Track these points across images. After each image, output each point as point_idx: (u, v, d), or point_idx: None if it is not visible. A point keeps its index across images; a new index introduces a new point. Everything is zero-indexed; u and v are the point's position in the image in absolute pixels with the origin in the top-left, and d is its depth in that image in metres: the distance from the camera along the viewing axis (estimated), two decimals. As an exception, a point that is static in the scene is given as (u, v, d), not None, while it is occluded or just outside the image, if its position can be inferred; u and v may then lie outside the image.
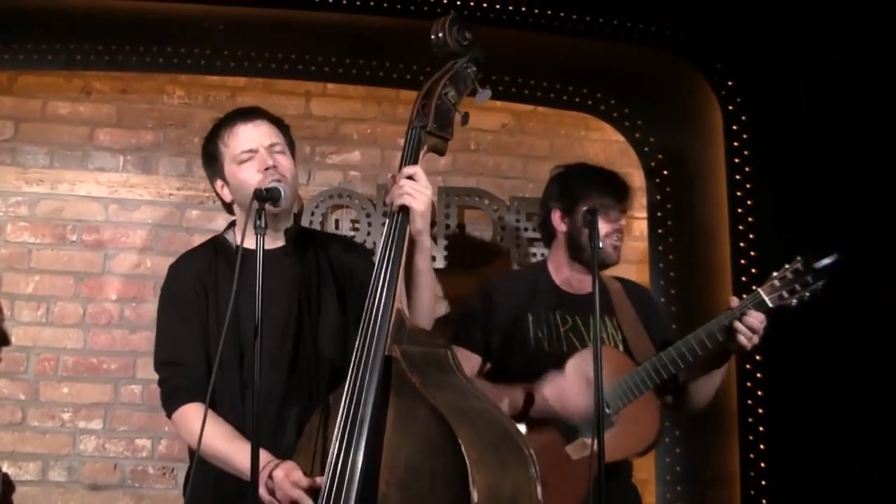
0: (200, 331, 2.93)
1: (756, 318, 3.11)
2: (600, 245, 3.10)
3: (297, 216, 3.34)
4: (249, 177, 2.91)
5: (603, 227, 3.34)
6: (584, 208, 3.22)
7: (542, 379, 3.26)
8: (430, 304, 2.83)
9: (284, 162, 2.97)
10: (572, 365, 3.27)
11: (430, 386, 2.34)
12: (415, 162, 2.66)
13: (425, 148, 2.70)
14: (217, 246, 3.08)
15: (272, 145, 2.97)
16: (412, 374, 2.36)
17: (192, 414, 2.83)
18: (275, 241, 3.00)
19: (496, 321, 3.49)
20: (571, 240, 3.51)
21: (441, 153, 2.78)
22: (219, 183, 3.06)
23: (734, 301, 3.16)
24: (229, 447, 2.75)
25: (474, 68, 2.80)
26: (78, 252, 4.37)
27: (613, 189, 3.50)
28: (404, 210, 2.60)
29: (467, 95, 2.81)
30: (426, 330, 2.67)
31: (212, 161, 3.06)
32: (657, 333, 3.55)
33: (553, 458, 3.19)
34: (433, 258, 4.20)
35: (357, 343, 2.49)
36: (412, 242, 2.67)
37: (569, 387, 3.21)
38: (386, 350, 2.44)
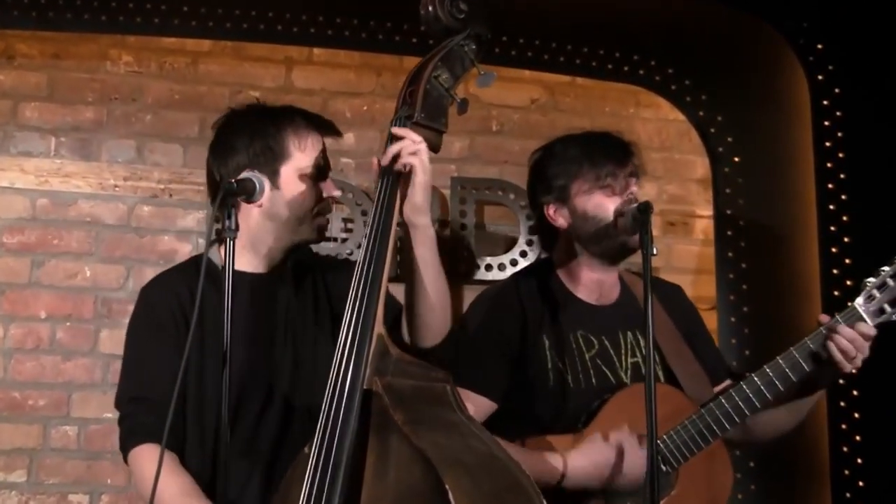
0: (176, 364, 2.88)
1: (858, 331, 3.03)
2: (611, 224, 3.18)
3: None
4: (312, 198, 3.02)
5: (612, 202, 3.26)
6: (626, 207, 3.18)
7: (571, 433, 3.16)
8: (442, 309, 2.84)
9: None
10: (610, 412, 3.17)
11: (417, 424, 2.37)
12: (394, 180, 2.70)
13: None
14: (198, 265, 3.01)
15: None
16: (396, 410, 2.39)
17: (148, 456, 2.85)
18: (265, 265, 3.08)
19: (505, 343, 3.32)
20: (577, 231, 3.35)
21: (434, 148, 2.76)
22: (254, 172, 2.97)
23: (824, 318, 3.10)
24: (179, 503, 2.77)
25: (473, 46, 2.80)
26: (-2, 258, 4.35)
27: (608, 150, 3.36)
28: (397, 181, 2.65)
29: (467, 78, 2.82)
30: (419, 360, 2.62)
31: (262, 150, 3.02)
32: (705, 351, 3.46)
33: None
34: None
35: (331, 374, 2.50)
36: (410, 227, 2.70)
37: (610, 450, 3.09)
38: (365, 383, 2.45)
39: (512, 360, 3.30)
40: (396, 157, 2.65)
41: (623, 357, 3.32)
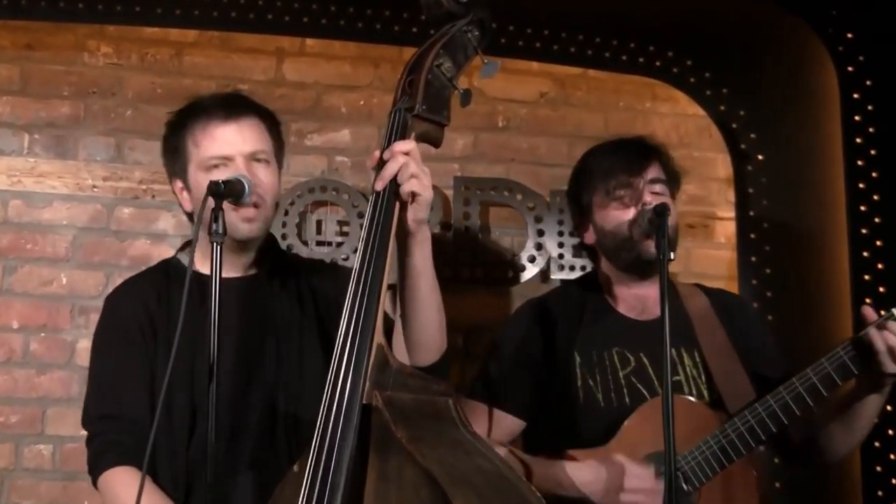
0: (146, 377, 2.97)
1: None
2: (628, 237, 3.21)
3: (273, 237, 3.29)
4: None
5: (626, 213, 3.30)
6: (642, 209, 3.21)
7: (594, 448, 3.19)
8: (438, 326, 2.82)
9: (265, 175, 3.02)
10: (633, 426, 3.19)
11: (421, 442, 2.34)
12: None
13: (412, 136, 2.68)
14: (169, 271, 3.14)
15: (254, 153, 3.02)
16: (398, 427, 2.36)
17: (122, 480, 2.83)
18: (245, 268, 3.09)
19: (528, 359, 3.40)
20: (603, 248, 3.43)
21: (435, 143, 2.76)
22: (178, 184, 3.10)
23: (869, 313, 3.02)
24: None
25: (477, 33, 2.78)
26: (-33, 264, 4.37)
27: (619, 158, 3.40)
28: (392, 198, 2.59)
29: (469, 68, 2.79)
30: (420, 372, 2.63)
31: (173, 156, 3.09)
32: (764, 371, 3.37)
33: None
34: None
35: (327, 387, 2.48)
36: (407, 235, 2.67)
37: (619, 469, 3.10)
38: (364, 397, 2.42)
39: (539, 377, 3.36)
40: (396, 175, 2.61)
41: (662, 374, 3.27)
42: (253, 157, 2.98)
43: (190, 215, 3.13)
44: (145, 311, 3.01)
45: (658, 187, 3.33)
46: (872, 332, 2.97)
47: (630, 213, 3.29)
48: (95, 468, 2.91)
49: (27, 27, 4.36)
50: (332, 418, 2.42)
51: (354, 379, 2.42)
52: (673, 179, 3.41)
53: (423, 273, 2.72)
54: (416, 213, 2.61)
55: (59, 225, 4.32)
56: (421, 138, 2.68)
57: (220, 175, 2.87)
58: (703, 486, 3.13)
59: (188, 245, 3.15)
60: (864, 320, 3.03)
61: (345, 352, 2.47)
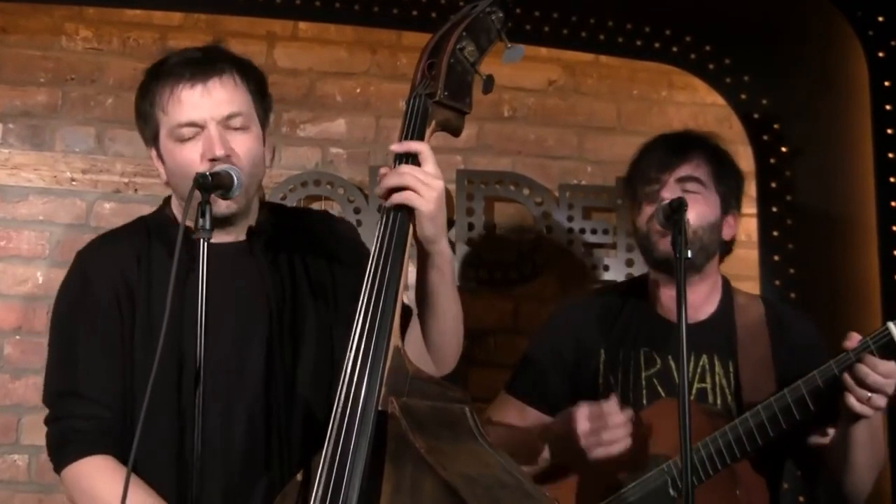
0: (117, 353, 2.88)
1: (876, 368, 3.00)
2: (646, 233, 3.28)
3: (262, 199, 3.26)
4: (189, 162, 2.87)
5: (647, 210, 3.36)
6: (665, 203, 3.14)
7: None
8: (454, 336, 2.87)
9: (243, 145, 2.90)
10: (638, 424, 3.24)
11: (440, 453, 2.34)
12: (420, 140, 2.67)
13: (433, 124, 2.67)
14: (150, 227, 3.04)
15: (229, 118, 2.90)
16: (415, 436, 2.36)
17: (93, 471, 2.77)
18: (230, 234, 2.97)
19: (557, 360, 3.52)
20: (640, 242, 3.51)
21: (456, 132, 2.76)
22: (153, 152, 3.02)
23: (852, 339, 3.07)
24: None
25: (501, 14, 2.77)
26: (-64, 262, 4.37)
27: (653, 152, 3.46)
28: (403, 209, 2.60)
29: (491, 52, 2.77)
30: (436, 378, 2.65)
31: (144, 122, 3.00)
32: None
33: None
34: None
35: (339, 392, 2.47)
36: (422, 254, 2.68)
37: (607, 418, 3.16)
38: (379, 403, 2.43)
39: (568, 375, 3.50)
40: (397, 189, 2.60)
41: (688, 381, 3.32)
42: (227, 124, 2.87)
43: (167, 183, 3.06)
44: (123, 280, 2.91)
45: (692, 185, 3.34)
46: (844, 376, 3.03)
47: (649, 210, 3.33)
48: (60, 456, 2.83)
49: (1, 9, 4.34)
50: (345, 425, 2.41)
51: (370, 384, 2.42)
52: (723, 179, 3.43)
53: (439, 291, 2.73)
54: (420, 229, 2.60)
55: (34, 220, 4.31)
56: (441, 127, 2.68)
57: (192, 148, 2.84)
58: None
59: (166, 205, 3.09)
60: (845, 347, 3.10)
61: (359, 355, 2.46)
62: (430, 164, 2.58)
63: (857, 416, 3.08)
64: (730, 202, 3.46)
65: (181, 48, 3.06)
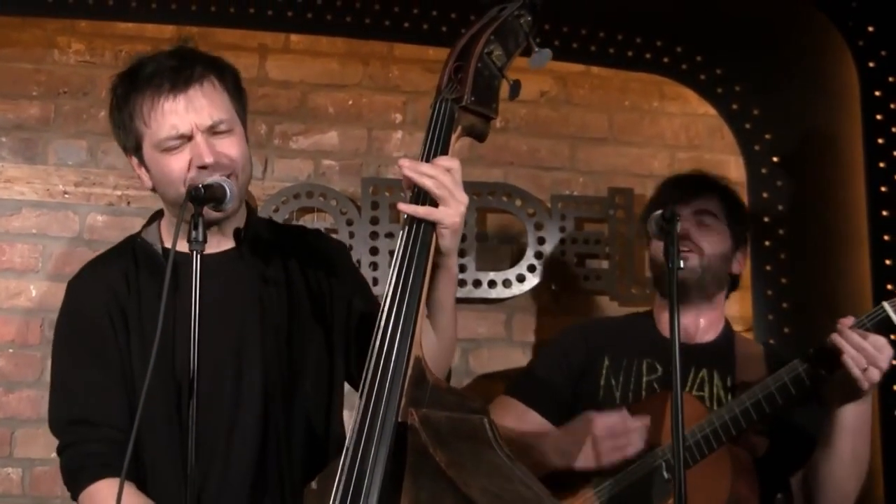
0: (119, 375, 2.88)
1: (866, 338, 3.09)
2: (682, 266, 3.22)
3: (251, 206, 3.22)
4: (178, 171, 2.87)
5: (660, 244, 3.41)
6: (658, 213, 3.22)
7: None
8: (450, 353, 2.88)
9: (231, 147, 2.91)
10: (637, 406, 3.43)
11: (461, 467, 2.33)
12: (445, 149, 2.62)
13: (459, 129, 2.66)
14: (136, 250, 3.04)
15: (214, 126, 2.89)
16: (436, 449, 2.34)
17: (109, 495, 2.69)
18: (219, 243, 2.98)
19: (565, 366, 3.66)
20: (653, 270, 3.71)
21: (480, 137, 2.75)
22: (134, 160, 3.00)
23: (846, 321, 3.17)
24: None
25: (529, 18, 2.76)
26: (-72, 276, 4.32)
27: (678, 186, 3.64)
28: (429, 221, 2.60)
29: (519, 56, 2.77)
30: (454, 388, 2.65)
31: (123, 132, 2.98)
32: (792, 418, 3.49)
33: None
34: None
35: (358, 401, 2.47)
36: (434, 267, 2.64)
37: (588, 425, 3.32)
38: (399, 415, 2.42)
39: (571, 380, 3.63)
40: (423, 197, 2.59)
41: (687, 388, 3.50)
42: (213, 131, 2.86)
43: (154, 189, 3.01)
44: (114, 299, 2.92)
45: (707, 218, 3.53)
46: (836, 337, 3.13)
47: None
48: (76, 482, 2.83)
49: (-8, 22, 4.30)
50: (364, 435, 2.41)
51: (390, 395, 2.41)
52: (734, 217, 3.59)
53: (443, 305, 2.73)
54: (441, 239, 2.58)
55: (27, 234, 4.30)
56: (466, 132, 2.67)
57: (180, 158, 2.82)
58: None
59: (153, 220, 3.09)
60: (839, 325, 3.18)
61: (380, 364, 2.45)
62: (459, 178, 2.56)
63: (848, 395, 3.15)
64: (740, 239, 3.64)
65: (151, 54, 3.01)
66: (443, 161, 2.54)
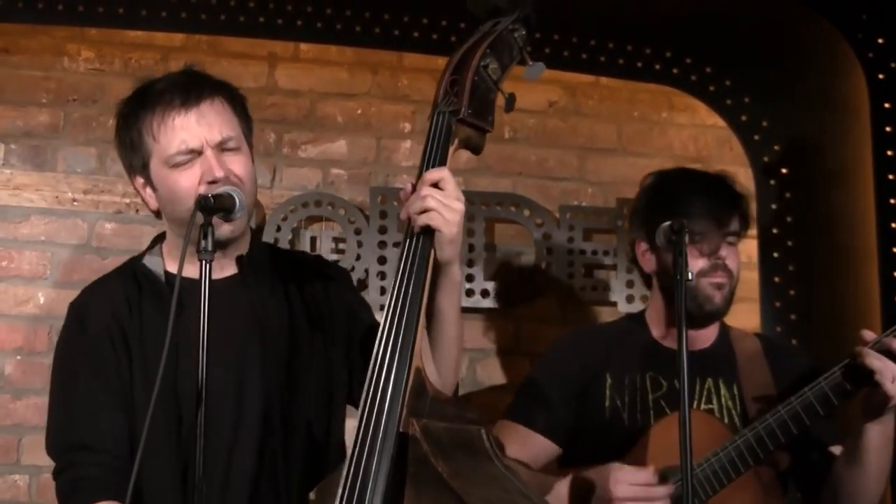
0: (119, 397, 2.88)
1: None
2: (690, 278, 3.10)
3: (256, 232, 3.20)
4: (188, 188, 2.87)
5: (696, 262, 3.35)
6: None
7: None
8: (456, 363, 2.85)
9: (239, 166, 2.92)
10: (648, 442, 3.30)
11: (463, 478, 2.33)
12: (443, 161, 2.63)
13: (456, 142, 2.67)
14: (137, 274, 3.03)
15: (224, 142, 2.91)
16: (437, 460, 2.34)
17: None
18: (223, 269, 2.98)
19: (563, 386, 3.53)
20: (661, 282, 3.55)
21: (476, 149, 2.77)
22: (139, 180, 3.01)
23: (867, 336, 3.16)
24: None
25: (523, 32, 2.78)
26: (-63, 282, 4.32)
27: (710, 203, 3.45)
28: (427, 232, 2.59)
29: (513, 68, 2.79)
30: (453, 398, 2.67)
31: (130, 151, 2.99)
32: None
33: None
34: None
35: (360, 412, 2.48)
36: (436, 275, 2.65)
37: (607, 475, 3.14)
38: (400, 425, 2.42)
39: (574, 400, 3.50)
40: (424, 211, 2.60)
41: (694, 402, 3.42)
42: (223, 147, 2.87)
43: (157, 213, 3.03)
44: (116, 322, 2.91)
45: (733, 239, 3.44)
46: (866, 352, 3.10)
47: (701, 263, 3.36)
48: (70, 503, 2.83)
49: (2, 30, 4.33)
50: (367, 446, 2.41)
51: (392, 405, 2.42)
52: (745, 227, 3.52)
53: (449, 317, 2.73)
54: (439, 250, 2.59)
55: (36, 241, 4.29)
56: (463, 144, 2.68)
57: (190, 174, 2.84)
58: (708, 500, 3.22)
59: (156, 243, 3.09)
60: (862, 340, 3.16)
61: (381, 375, 2.46)
62: (451, 186, 2.56)
63: (878, 411, 3.10)
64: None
65: (163, 75, 3.03)
66: (430, 176, 2.56)
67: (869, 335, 3.14)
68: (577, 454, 3.43)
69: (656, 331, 3.57)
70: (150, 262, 3.03)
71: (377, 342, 2.50)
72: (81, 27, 4.38)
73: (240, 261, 3.00)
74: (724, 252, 3.42)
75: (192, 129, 2.86)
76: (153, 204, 2.98)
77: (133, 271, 3.04)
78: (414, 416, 2.40)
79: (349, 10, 4.43)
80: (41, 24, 4.33)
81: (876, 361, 3.05)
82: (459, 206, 2.55)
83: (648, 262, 3.55)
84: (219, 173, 2.81)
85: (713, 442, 3.23)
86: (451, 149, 2.62)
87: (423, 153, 2.62)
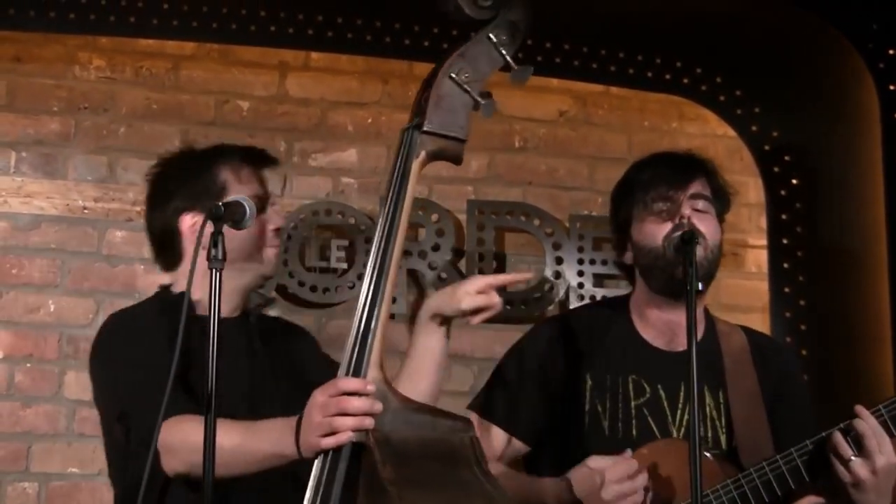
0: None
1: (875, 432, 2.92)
2: (660, 254, 3.09)
3: None
4: (256, 229, 2.98)
5: (660, 228, 3.19)
6: (672, 234, 3.11)
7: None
8: (434, 397, 2.86)
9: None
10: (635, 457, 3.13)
11: (407, 484, 2.32)
12: (406, 176, 2.64)
13: (422, 155, 2.63)
14: (166, 308, 3.00)
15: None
16: (385, 467, 2.35)
17: (191, 424, 2.68)
18: (233, 309, 3.08)
19: (540, 380, 3.35)
20: (639, 265, 3.33)
21: (454, 159, 2.71)
22: (192, 217, 3.05)
23: (861, 412, 2.98)
24: (241, 435, 2.66)
25: (504, 37, 2.71)
26: (-52, 289, 4.31)
27: (661, 169, 3.33)
28: (398, 196, 2.64)
29: (500, 72, 2.75)
30: (429, 407, 2.61)
31: (198, 182, 3.07)
32: (787, 425, 3.30)
33: None
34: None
35: None
36: (429, 329, 2.83)
37: (595, 468, 3.04)
38: (355, 435, 2.42)
39: (549, 400, 3.33)
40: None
41: (678, 410, 3.25)
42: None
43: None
44: (155, 328, 2.93)
45: (701, 204, 3.24)
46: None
47: (667, 228, 3.19)
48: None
49: (15, 38, 4.35)
50: (327, 458, 2.43)
51: None
52: (720, 198, 3.32)
53: (440, 366, 2.82)
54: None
55: (46, 248, 4.30)
56: (436, 156, 2.64)
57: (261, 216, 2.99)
58: None
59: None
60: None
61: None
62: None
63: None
64: (721, 220, 3.35)
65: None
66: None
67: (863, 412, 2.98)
68: (553, 459, 3.27)
69: (641, 324, 3.36)
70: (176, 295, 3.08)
71: (344, 353, 2.50)
72: (93, 36, 4.40)
73: (243, 306, 3.12)
74: (687, 212, 3.21)
75: (265, 181, 3.18)
76: (191, 239, 3.00)
77: (161, 305, 3.04)
78: (376, 426, 2.38)
79: (360, 20, 4.45)
80: (53, 33, 4.34)
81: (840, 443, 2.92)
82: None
83: (626, 253, 3.37)
84: (280, 223, 3.15)
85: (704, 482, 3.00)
86: (417, 162, 2.60)
87: (390, 170, 2.64)
